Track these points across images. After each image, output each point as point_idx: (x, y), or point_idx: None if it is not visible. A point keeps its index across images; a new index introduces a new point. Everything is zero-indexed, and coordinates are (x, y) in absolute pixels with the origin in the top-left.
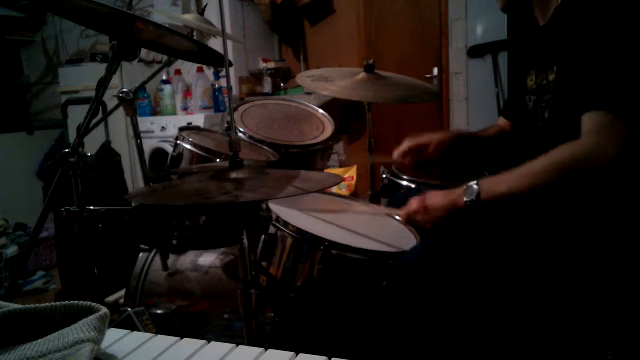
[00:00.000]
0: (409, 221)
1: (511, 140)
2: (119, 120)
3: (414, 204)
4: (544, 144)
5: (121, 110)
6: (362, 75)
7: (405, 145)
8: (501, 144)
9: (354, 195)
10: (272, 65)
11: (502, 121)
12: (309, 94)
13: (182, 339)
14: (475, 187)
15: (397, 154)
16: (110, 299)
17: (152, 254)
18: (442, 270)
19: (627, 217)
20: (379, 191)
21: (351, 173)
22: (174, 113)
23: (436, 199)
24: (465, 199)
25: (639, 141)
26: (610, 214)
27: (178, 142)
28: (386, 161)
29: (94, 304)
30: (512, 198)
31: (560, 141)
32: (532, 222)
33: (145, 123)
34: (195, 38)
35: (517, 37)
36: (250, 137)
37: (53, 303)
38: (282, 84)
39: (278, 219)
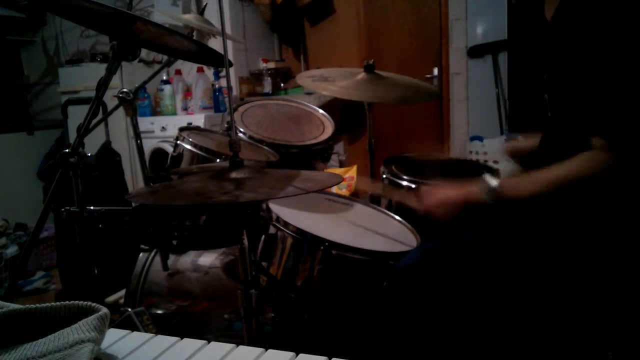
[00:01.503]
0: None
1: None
2: (119, 120)
3: (427, 198)
4: (543, 142)
5: (121, 110)
6: (362, 75)
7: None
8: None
9: (354, 195)
10: (272, 65)
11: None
12: (309, 94)
13: (182, 339)
14: (495, 187)
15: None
16: (110, 299)
17: (152, 254)
18: (443, 271)
19: (627, 218)
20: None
21: (351, 173)
22: (174, 113)
23: (451, 193)
24: (484, 197)
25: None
26: (610, 214)
27: (178, 142)
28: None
29: (94, 304)
30: (530, 200)
31: (555, 144)
32: (532, 223)
33: (145, 123)
34: (195, 38)
35: (526, 34)
36: (250, 137)
37: (53, 303)
38: (282, 84)
39: (278, 219)
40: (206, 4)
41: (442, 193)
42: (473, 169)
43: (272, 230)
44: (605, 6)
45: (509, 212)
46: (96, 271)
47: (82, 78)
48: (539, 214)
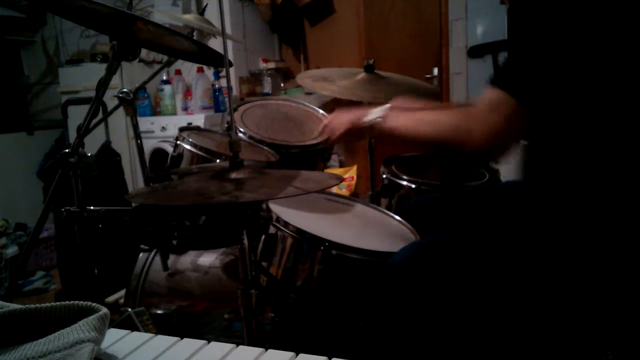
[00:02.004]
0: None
1: None
2: (119, 120)
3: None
4: None
5: (121, 110)
6: (362, 75)
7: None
8: None
9: (354, 195)
10: (272, 65)
11: None
12: (309, 94)
13: (182, 339)
14: (381, 112)
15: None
16: (110, 299)
17: (152, 254)
18: (438, 268)
19: (626, 216)
20: (379, 191)
21: (351, 173)
22: (174, 113)
23: (340, 116)
24: (366, 119)
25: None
26: (609, 212)
27: (178, 142)
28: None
29: (94, 304)
30: (402, 137)
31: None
32: (529, 219)
33: (145, 123)
34: (195, 38)
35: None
36: (250, 137)
37: (53, 303)
38: (282, 84)
39: (278, 219)
40: (206, 4)
41: (333, 116)
42: (473, 169)
43: (272, 230)
44: None
45: (508, 209)
46: (96, 271)
47: (82, 78)
48: (536, 209)
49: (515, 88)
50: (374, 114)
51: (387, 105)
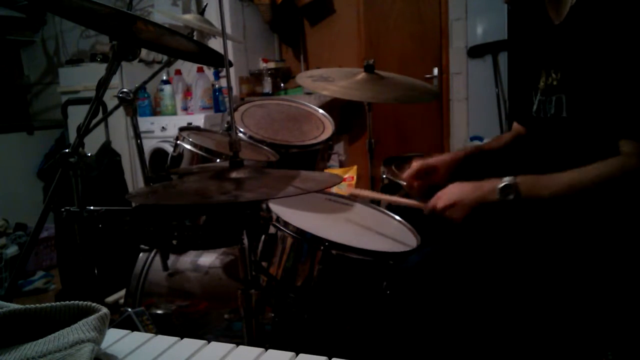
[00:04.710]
0: (435, 215)
1: (529, 142)
2: (119, 120)
3: (440, 200)
4: (549, 144)
5: (121, 110)
6: (362, 75)
7: (415, 166)
8: (520, 148)
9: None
10: (272, 65)
11: (516, 125)
12: (309, 94)
13: (182, 339)
14: (512, 185)
15: (406, 175)
16: (110, 299)
17: (152, 254)
18: (444, 272)
19: (627, 219)
20: (379, 191)
21: (351, 173)
22: (174, 113)
23: (463, 195)
24: (500, 197)
25: None
26: (610, 215)
27: (178, 142)
28: (396, 178)
29: (94, 304)
30: (550, 201)
31: (568, 145)
32: (533, 224)
33: (145, 123)
34: (195, 38)
35: (526, 36)
36: (250, 137)
37: (53, 303)
38: (282, 84)
39: (278, 219)
40: (206, 4)
41: (456, 193)
42: (473, 169)
43: (272, 230)
44: (625, 5)
45: (510, 216)
46: (96, 271)
47: (82, 78)
48: (540, 215)
49: None
50: (505, 193)
51: (510, 178)
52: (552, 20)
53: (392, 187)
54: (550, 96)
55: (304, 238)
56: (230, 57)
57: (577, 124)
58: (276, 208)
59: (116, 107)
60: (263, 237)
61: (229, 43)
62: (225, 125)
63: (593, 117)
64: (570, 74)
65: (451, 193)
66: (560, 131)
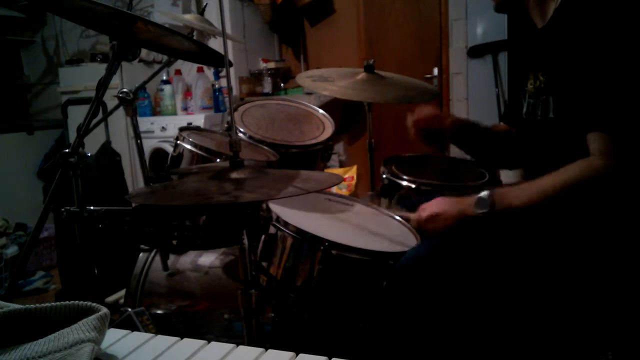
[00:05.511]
0: (419, 228)
1: (516, 142)
2: (119, 120)
3: (424, 211)
4: (539, 146)
5: (121, 110)
6: (362, 75)
7: (426, 111)
8: (508, 143)
9: (354, 195)
10: (272, 65)
11: (504, 126)
12: (309, 94)
13: (182, 339)
14: (487, 199)
15: (411, 120)
16: (110, 299)
17: (152, 254)
18: (444, 269)
19: (627, 218)
20: (379, 191)
21: (351, 173)
22: (174, 113)
23: (446, 207)
24: (476, 210)
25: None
26: (610, 214)
27: (178, 142)
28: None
29: (94, 304)
30: (523, 210)
31: (556, 145)
32: (534, 222)
33: (145, 123)
34: (195, 38)
35: (516, 39)
36: (250, 137)
37: (53, 303)
38: (282, 84)
39: (278, 219)
40: (206, 4)
41: (439, 205)
42: (473, 169)
43: (272, 230)
44: (606, 7)
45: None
46: (96, 271)
47: (82, 78)
48: (541, 213)
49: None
50: (481, 205)
51: (486, 192)
52: (536, 24)
53: (392, 187)
54: (539, 98)
55: (304, 238)
56: (230, 57)
57: (564, 124)
58: (276, 208)
59: (116, 107)
60: (263, 237)
61: (229, 43)
62: (225, 125)
63: (576, 117)
64: (556, 75)
65: (436, 205)
66: (548, 132)
